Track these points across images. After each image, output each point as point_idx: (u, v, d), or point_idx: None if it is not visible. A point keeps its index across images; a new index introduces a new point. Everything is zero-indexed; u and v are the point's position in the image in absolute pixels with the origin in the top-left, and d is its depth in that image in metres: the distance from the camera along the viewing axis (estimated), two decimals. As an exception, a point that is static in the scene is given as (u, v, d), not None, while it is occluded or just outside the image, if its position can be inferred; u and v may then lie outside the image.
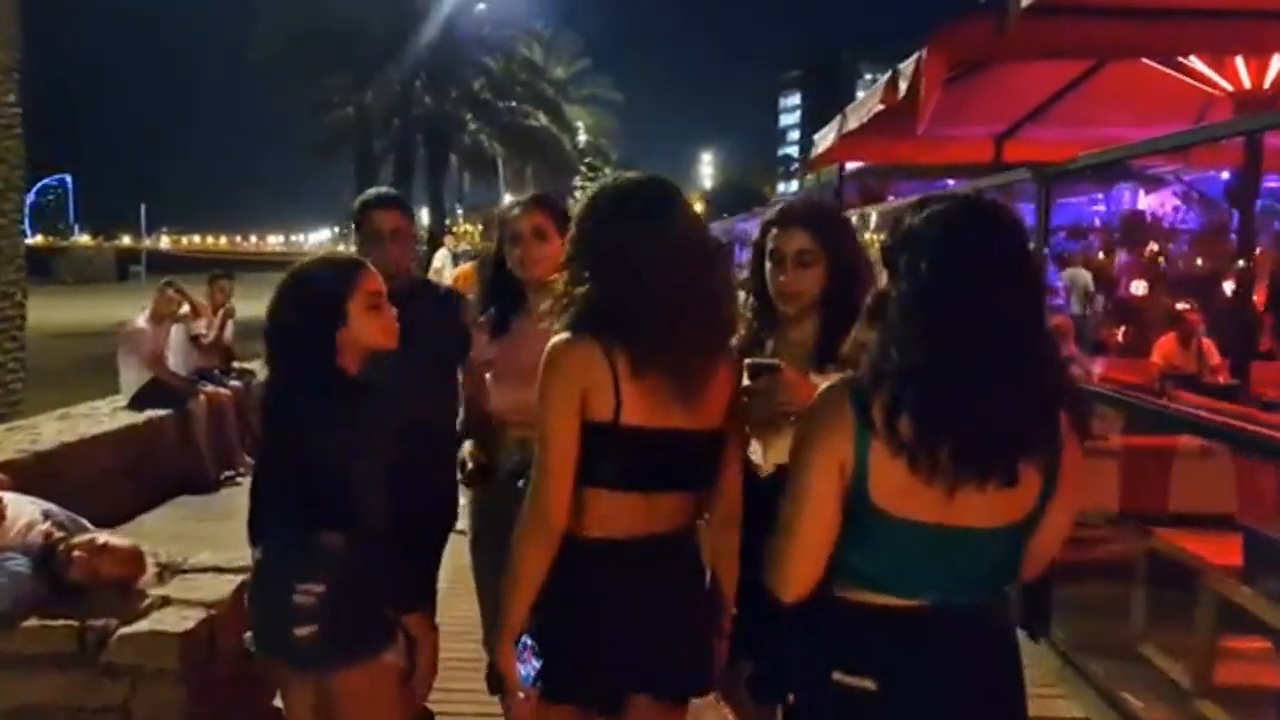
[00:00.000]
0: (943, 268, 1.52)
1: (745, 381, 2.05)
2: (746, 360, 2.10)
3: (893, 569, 1.59)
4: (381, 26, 25.17)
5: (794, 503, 1.60)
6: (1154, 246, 11.23)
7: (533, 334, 2.21)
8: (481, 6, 28.52)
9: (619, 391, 1.84)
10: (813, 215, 2.30)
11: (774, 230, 2.30)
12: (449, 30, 26.15)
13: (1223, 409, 4.87)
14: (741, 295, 2.47)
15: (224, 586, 3.27)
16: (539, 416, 1.88)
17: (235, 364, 8.09)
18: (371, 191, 3.17)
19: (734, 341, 2.09)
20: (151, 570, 3.35)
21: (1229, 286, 9.47)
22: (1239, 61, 5.72)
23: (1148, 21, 4.61)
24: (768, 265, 2.29)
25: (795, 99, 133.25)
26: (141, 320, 7.23)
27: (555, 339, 1.89)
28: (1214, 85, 5.89)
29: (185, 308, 7.53)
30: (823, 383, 1.77)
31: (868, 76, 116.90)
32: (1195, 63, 5.77)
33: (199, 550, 3.62)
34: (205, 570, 3.43)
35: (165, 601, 3.17)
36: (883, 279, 1.63)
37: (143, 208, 55.54)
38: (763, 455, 2.22)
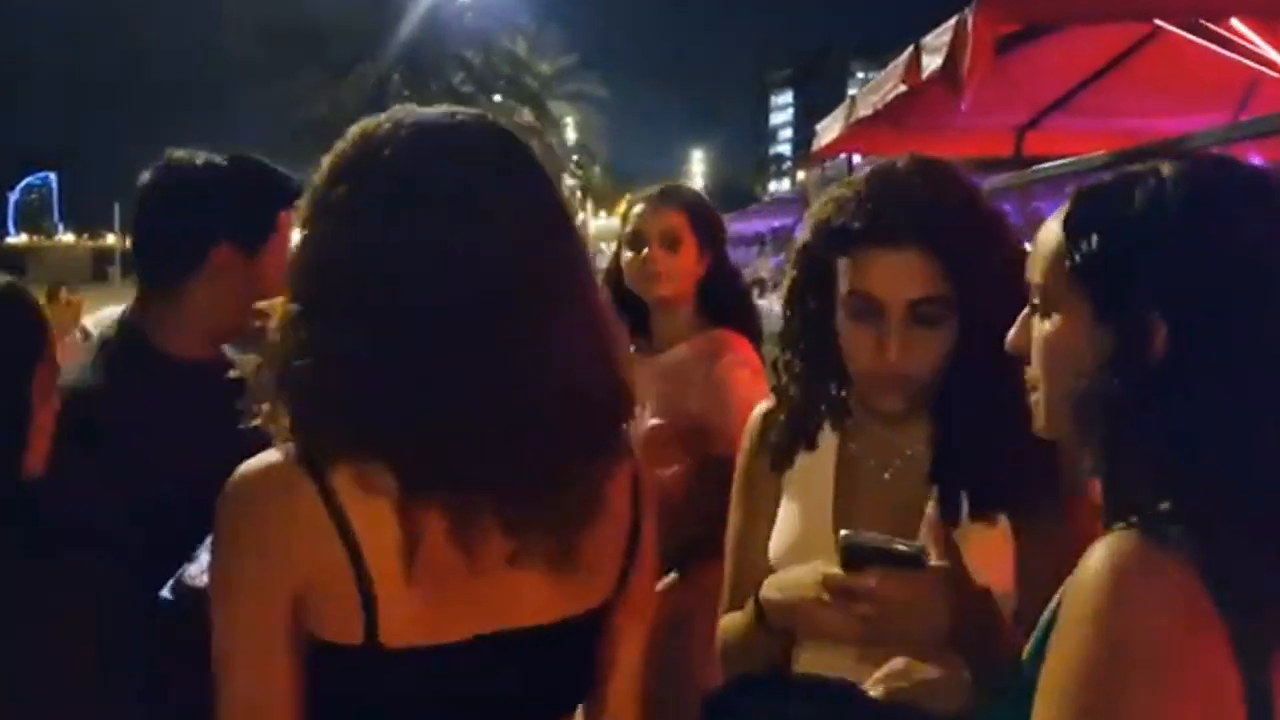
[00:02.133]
0: None
1: (831, 568, 1.07)
2: (843, 532, 1.08)
3: None
4: (357, 18, 24.45)
5: None
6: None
7: (652, 371, 1.99)
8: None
9: (369, 590, 0.94)
10: (935, 216, 1.13)
11: (846, 257, 1.17)
12: (428, 22, 25.40)
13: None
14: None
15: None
16: (213, 615, 0.98)
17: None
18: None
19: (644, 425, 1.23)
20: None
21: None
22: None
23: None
24: (840, 316, 1.19)
25: (787, 97, 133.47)
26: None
27: (243, 467, 0.98)
28: (1268, 63, 5.10)
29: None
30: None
31: (859, 75, 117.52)
32: (1248, 37, 4.98)
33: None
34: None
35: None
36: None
37: (115, 206, 54.48)
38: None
